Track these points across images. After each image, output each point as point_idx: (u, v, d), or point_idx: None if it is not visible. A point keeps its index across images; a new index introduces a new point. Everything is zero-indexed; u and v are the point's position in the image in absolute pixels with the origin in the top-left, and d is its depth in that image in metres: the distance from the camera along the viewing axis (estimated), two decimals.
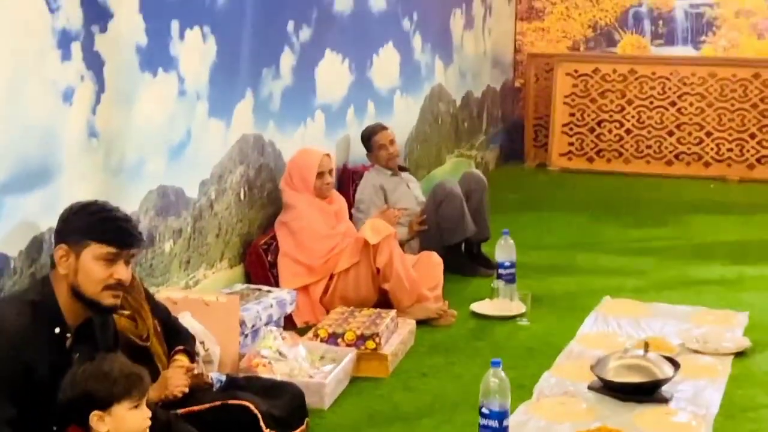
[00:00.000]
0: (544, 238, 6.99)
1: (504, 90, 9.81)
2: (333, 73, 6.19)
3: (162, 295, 4.33)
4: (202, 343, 4.11)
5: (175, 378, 3.56)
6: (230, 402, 3.56)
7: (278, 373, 4.24)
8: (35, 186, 3.74)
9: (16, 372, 2.82)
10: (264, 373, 4.22)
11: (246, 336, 4.54)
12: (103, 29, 4.10)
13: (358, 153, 6.36)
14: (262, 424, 3.52)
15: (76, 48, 3.94)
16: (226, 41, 4.99)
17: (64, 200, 3.77)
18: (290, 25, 5.66)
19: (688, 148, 9.28)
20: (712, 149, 9.22)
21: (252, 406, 3.54)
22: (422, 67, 7.63)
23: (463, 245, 6.14)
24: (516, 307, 5.36)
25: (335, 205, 5.52)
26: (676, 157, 9.32)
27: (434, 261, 5.58)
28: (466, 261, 6.12)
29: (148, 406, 3.46)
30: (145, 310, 3.72)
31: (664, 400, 4.24)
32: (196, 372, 3.74)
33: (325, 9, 6.07)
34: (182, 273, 4.74)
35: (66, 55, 3.87)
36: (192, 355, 3.79)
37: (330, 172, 5.42)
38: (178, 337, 3.80)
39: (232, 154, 5.13)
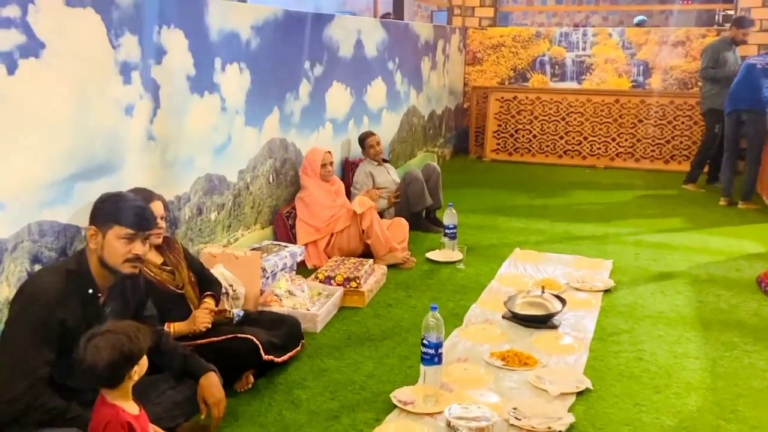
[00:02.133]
0: (478, 206, 6.21)
1: (456, 109, 8.99)
2: (339, 97, 5.39)
3: (206, 251, 3.61)
4: (231, 285, 3.39)
5: (201, 317, 2.88)
6: (239, 335, 2.87)
7: (286, 306, 3.54)
8: (102, 176, 3.00)
9: (52, 326, 2.15)
10: (275, 307, 3.52)
11: (267, 278, 3.81)
12: (158, 62, 3.33)
13: (356, 150, 5.59)
14: (262, 351, 2.87)
15: (135, 75, 3.18)
16: (258, 74, 4.20)
17: (128, 185, 3.06)
18: (307, 64, 4.85)
19: (572, 147, 8.48)
20: (587, 147, 8.42)
21: (255, 339, 2.86)
22: (401, 94, 6.81)
23: (423, 212, 5.39)
24: (456, 255, 4.63)
25: (335, 186, 4.76)
26: (565, 152, 8.52)
27: (403, 224, 4.84)
28: (424, 222, 5.37)
29: (182, 338, 2.82)
30: (182, 266, 3.02)
31: (554, 327, 3.53)
32: (219, 309, 3.06)
33: (334, 53, 5.26)
34: (225, 234, 3.99)
35: (127, 80, 3.11)
36: (217, 299, 3.09)
37: (330, 164, 4.67)
38: (208, 285, 3.10)
39: (263, 151, 4.35)
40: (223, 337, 2.85)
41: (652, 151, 8.20)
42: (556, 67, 8.88)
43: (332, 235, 4.52)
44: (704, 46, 7.20)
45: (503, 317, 3.65)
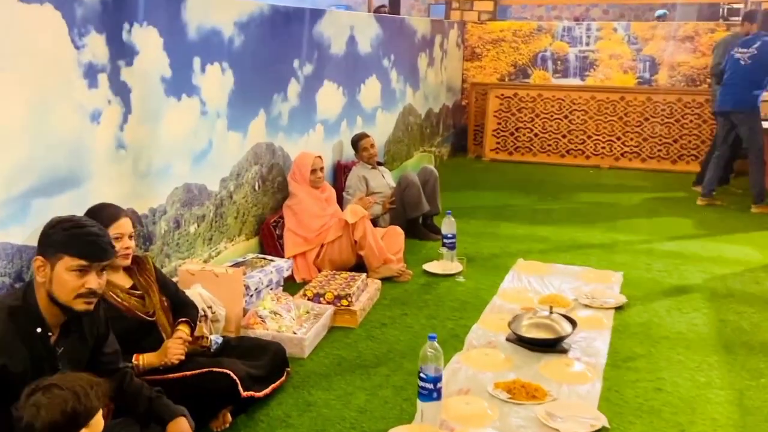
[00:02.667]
0: (477, 210, 5.91)
1: (454, 106, 8.68)
2: (330, 97, 5.09)
3: (183, 268, 3.31)
4: (209, 307, 3.10)
5: (173, 348, 2.58)
6: (215, 370, 2.57)
7: (270, 329, 3.24)
8: (65, 190, 2.70)
9: None
10: (259, 329, 3.23)
11: (251, 296, 3.52)
12: (129, 63, 3.02)
13: (349, 152, 5.29)
14: (240, 388, 2.56)
15: (102, 78, 2.87)
16: (242, 74, 3.89)
17: (95, 200, 2.77)
18: (296, 63, 4.55)
19: (575, 146, 8.18)
20: (591, 147, 8.12)
21: (232, 374, 2.56)
22: (397, 93, 6.50)
23: (420, 218, 5.10)
24: (455, 267, 4.34)
25: (326, 193, 4.46)
26: (567, 152, 8.21)
27: (398, 232, 4.53)
28: (421, 229, 5.08)
29: (151, 370, 2.53)
30: (153, 290, 2.72)
31: (564, 351, 3.24)
32: (194, 337, 2.77)
33: (325, 51, 4.96)
34: (206, 247, 3.69)
35: (93, 84, 2.81)
36: (193, 326, 2.79)
37: (321, 169, 4.36)
38: (183, 310, 2.80)
39: (248, 157, 4.05)
40: (198, 372, 2.55)
41: (659, 150, 7.90)
42: (559, 62, 8.57)
43: (322, 246, 4.23)
44: (715, 42, 6.89)
45: (507, 339, 3.36)
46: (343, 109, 5.30)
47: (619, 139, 8.05)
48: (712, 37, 7.88)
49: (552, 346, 3.24)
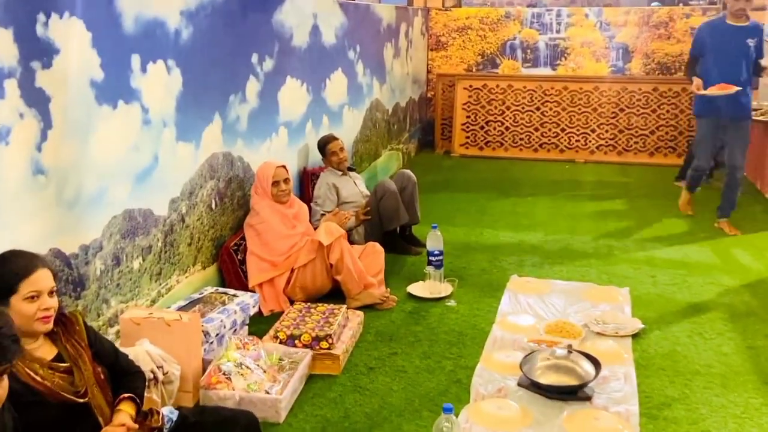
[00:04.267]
0: (457, 216, 5.41)
1: (420, 100, 8.15)
2: (293, 96, 4.48)
3: (126, 316, 2.68)
4: (160, 368, 2.49)
5: None
6: None
7: (237, 389, 2.65)
8: None
9: None
10: (223, 391, 2.63)
11: (211, 343, 2.91)
12: (47, 65, 2.37)
13: (316, 156, 4.70)
14: None
15: (10, 85, 2.22)
16: (191, 73, 3.26)
17: (2, 244, 2.13)
18: (254, 57, 3.93)
19: (549, 140, 7.74)
20: (564, 140, 7.70)
21: None
22: (364, 87, 5.92)
23: (397, 229, 4.55)
24: (444, 288, 3.81)
25: (294, 209, 3.85)
26: (540, 146, 7.77)
27: (377, 250, 3.97)
28: (400, 242, 4.53)
29: None
30: (84, 360, 2.08)
31: (587, 398, 2.74)
32: (140, 420, 2.16)
33: (286, 43, 4.34)
34: (153, 284, 3.06)
35: None
36: (139, 402, 2.18)
37: (285, 181, 3.76)
38: (125, 381, 2.18)
39: (202, 171, 3.43)
40: None
41: (635, 143, 7.53)
42: (528, 51, 8.13)
43: (292, 271, 3.64)
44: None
45: (519, 384, 2.84)
46: (308, 108, 4.70)
47: (593, 131, 7.65)
48: (686, 23, 7.54)
49: (573, 393, 2.75)
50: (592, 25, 7.91)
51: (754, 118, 5.44)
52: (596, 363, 2.83)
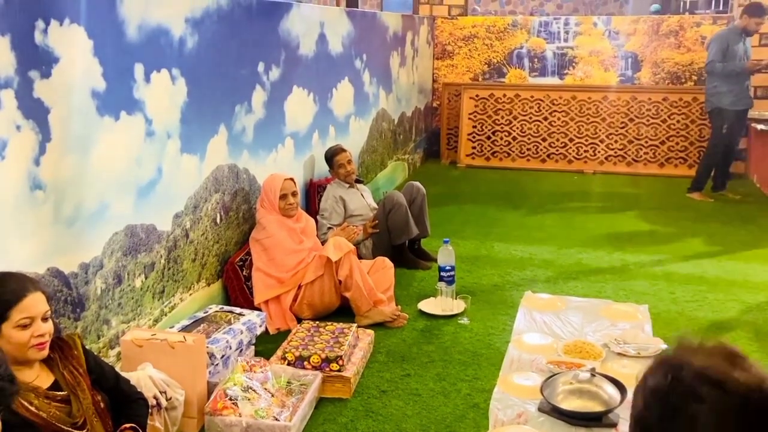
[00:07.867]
0: (466, 228, 5.27)
1: (426, 109, 8.03)
2: (300, 106, 4.36)
3: (128, 338, 2.55)
4: (163, 393, 2.36)
5: None
6: None
7: (243, 414, 2.51)
8: None
9: None
10: (229, 416, 2.49)
11: (216, 365, 2.77)
12: (46, 74, 2.25)
13: (322, 168, 4.58)
14: None
15: (7, 96, 2.09)
16: (197, 83, 3.14)
17: (1, 263, 2.00)
18: (261, 66, 3.81)
19: (557, 150, 7.62)
20: (573, 150, 7.57)
21: None
22: (371, 96, 5.80)
23: (406, 242, 4.41)
24: (456, 305, 3.67)
25: (301, 223, 3.73)
26: (548, 156, 7.65)
27: (387, 265, 3.84)
28: (410, 257, 4.40)
29: None
30: (82, 387, 1.96)
31: (613, 425, 2.58)
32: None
33: (293, 51, 4.22)
34: (156, 303, 2.93)
35: None
36: (141, 430, 2.05)
37: (293, 194, 3.64)
38: (127, 409, 2.05)
39: (207, 185, 3.30)
40: None
41: (645, 153, 7.40)
42: (536, 60, 8.00)
43: (300, 287, 3.51)
44: (711, 36, 6.38)
45: (540, 410, 2.70)
46: (314, 118, 4.58)
47: (602, 141, 7.52)
48: (697, 31, 7.43)
49: (598, 419, 2.60)
50: (601, 34, 7.79)
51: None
52: (621, 387, 2.68)
